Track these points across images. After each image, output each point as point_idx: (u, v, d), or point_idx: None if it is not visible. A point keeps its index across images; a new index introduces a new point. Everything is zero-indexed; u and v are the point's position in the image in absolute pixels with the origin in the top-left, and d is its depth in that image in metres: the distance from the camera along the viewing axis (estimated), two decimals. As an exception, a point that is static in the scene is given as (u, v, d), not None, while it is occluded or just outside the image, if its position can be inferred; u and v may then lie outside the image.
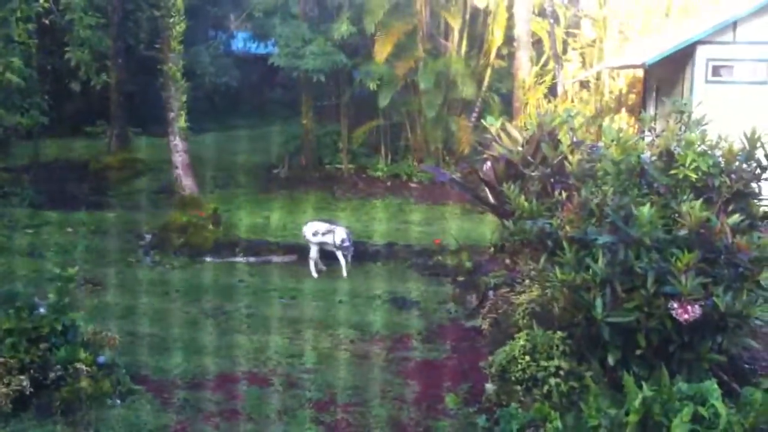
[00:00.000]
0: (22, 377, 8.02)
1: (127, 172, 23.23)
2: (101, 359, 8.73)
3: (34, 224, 17.63)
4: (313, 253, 14.56)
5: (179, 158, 18.99)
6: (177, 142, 18.89)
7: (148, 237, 16.85)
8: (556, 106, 18.78)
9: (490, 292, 11.69)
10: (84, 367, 8.39)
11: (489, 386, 8.48)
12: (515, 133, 12.49)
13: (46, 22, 19.23)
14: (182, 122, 18.72)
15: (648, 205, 7.39)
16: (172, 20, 18.33)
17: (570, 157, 9.31)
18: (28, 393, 8.00)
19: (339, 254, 14.48)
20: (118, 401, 8.49)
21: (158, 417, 8.27)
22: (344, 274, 14.35)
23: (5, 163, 23.19)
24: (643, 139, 9.53)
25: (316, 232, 14.50)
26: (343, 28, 21.84)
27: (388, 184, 22.56)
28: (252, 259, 15.72)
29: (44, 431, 7.79)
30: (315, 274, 14.45)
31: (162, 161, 21.92)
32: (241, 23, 28.94)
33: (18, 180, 21.29)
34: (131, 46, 25.12)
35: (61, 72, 22.68)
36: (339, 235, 14.42)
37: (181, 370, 9.62)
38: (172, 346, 10.52)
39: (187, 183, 19.02)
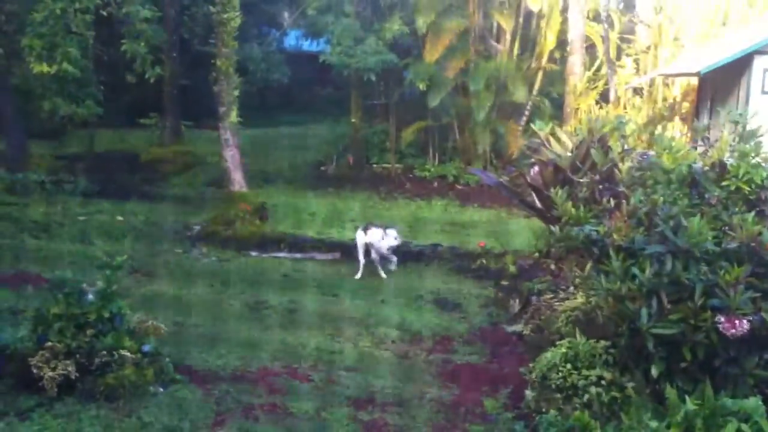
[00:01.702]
0: (67, 362, 8.17)
1: (178, 164, 23.57)
2: (146, 348, 8.84)
3: (86, 212, 17.96)
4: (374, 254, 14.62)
5: (229, 152, 19.18)
6: (228, 137, 19.08)
7: (196, 229, 17.08)
8: (607, 112, 18.60)
9: (533, 298, 11.62)
10: (129, 354, 8.52)
11: (529, 392, 8.43)
12: (565, 138, 12.40)
13: (104, 13, 19.57)
14: (233, 117, 18.90)
15: (698, 215, 7.28)
16: (226, 16, 18.53)
17: (620, 165, 9.22)
18: (73, 378, 8.15)
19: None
20: (161, 389, 8.62)
21: (200, 407, 8.37)
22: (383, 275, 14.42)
23: (60, 151, 23.68)
24: (695, 148, 9.40)
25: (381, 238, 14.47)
26: (395, 28, 21.90)
27: (435, 185, 22.53)
28: (297, 255, 15.83)
29: (88, 416, 7.92)
30: (384, 275, 14.46)
31: (212, 155, 22.18)
32: (294, 21, 29.14)
33: (71, 168, 21.72)
34: (186, 40, 25.47)
35: (116, 64, 23.01)
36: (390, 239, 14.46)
37: (223, 362, 9.73)
38: (216, 338, 10.64)
39: (236, 177, 19.20)
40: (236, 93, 18.97)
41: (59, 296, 8.74)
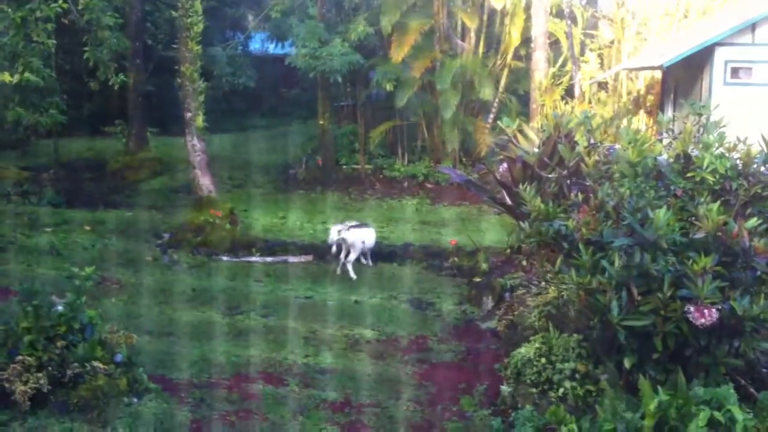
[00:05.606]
0: (39, 375, 8.08)
1: (145, 171, 23.34)
2: (118, 357, 8.78)
3: (53, 223, 17.74)
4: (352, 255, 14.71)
5: (197, 158, 19.02)
6: (195, 142, 18.93)
7: (166, 236, 16.96)
8: (573, 108, 18.73)
9: (506, 294, 11.70)
10: (101, 365, 8.45)
11: (504, 388, 8.48)
12: (532, 135, 12.47)
13: (65, 22, 19.32)
14: (200, 122, 18.76)
15: (665, 207, 7.35)
16: (189, 21, 18.36)
17: (586, 159, 9.29)
18: (45, 391, 8.07)
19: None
20: (135, 399, 8.56)
21: (174, 415, 8.32)
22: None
23: (24, 162, 23.39)
24: (660, 141, 9.50)
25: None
26: (360, 29, 21.86)
27: (405, 184, 22.55)
28: (268, 259, 15.77)
29: (62, 429, 7.85)
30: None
31: (180, 161, 22.00)
32: (258, 24, 28.97)
33: (37, 179, 21.46)
34: (149, 46, 25.23)
35: (79, 72, 22.81)
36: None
37: (197, 369, 9.68)
38: (189, 345, 10.58)
39: (205, 183, 19.06)
40: (202, 98, 18.82)
41: (28, 309, 8.64)
